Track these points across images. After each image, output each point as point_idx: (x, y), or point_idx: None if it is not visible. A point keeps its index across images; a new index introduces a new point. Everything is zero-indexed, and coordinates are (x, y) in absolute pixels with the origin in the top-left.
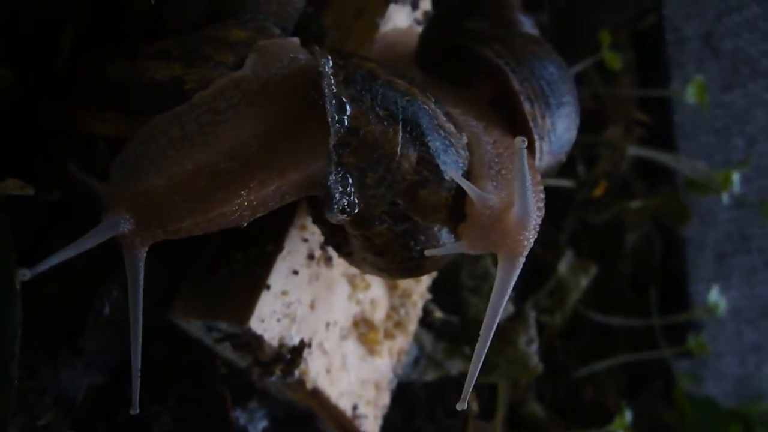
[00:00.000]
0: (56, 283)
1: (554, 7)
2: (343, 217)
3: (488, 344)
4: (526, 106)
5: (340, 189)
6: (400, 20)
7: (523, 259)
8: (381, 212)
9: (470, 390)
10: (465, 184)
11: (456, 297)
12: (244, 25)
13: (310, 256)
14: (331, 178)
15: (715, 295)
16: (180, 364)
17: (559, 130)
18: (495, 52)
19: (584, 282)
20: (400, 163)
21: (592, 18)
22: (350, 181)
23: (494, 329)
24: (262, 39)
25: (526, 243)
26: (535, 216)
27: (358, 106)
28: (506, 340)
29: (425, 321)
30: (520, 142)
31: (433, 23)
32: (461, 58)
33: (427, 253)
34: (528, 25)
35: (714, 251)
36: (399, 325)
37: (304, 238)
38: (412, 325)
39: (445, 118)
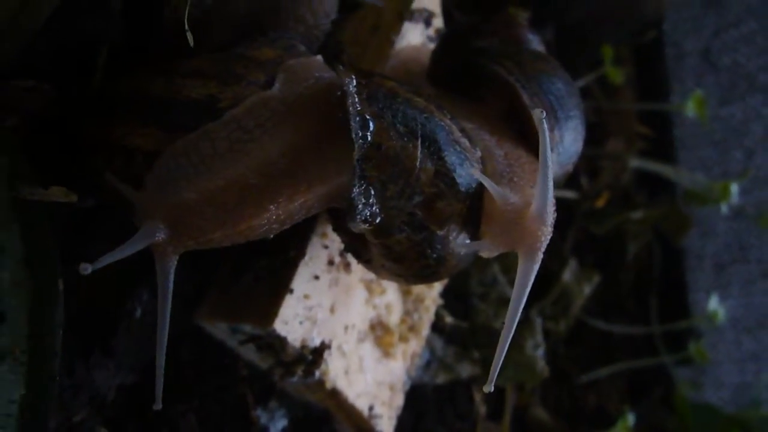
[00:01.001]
0: (90, 287)
1: (558, 25)
2: (365, 226)
3: (512, 331)
4: None
5: (363, 200)
6: (413, 37)
7: (542, 254)
8: (400, 222)
9: (496, 372)
10: (487, 183)
11: (466, 303)
12: (273, 44)
13: (330, 262)
14: (355, 190)
15: (714, 304)
16: (204, 365)
17: (566, 142)
18: (506, 69)
19: (588, 290)
20: (418, 176)
21: (595, 34)
22: (372, 193)
23: (518, 317)
24: (290, 57)
25: (543, 238)
26: (552, 210)
27: (380, 122)
28: (513, 345)
29: (437, 326)
30: (539, 113)
31: (444, 41)
32: (473, 75)
33: (451, 248)
34: (536, 43)
35: (713, 261)
36: (413, 329)
37: (324, 245)
38: (425, 329)
39: (460, 134)
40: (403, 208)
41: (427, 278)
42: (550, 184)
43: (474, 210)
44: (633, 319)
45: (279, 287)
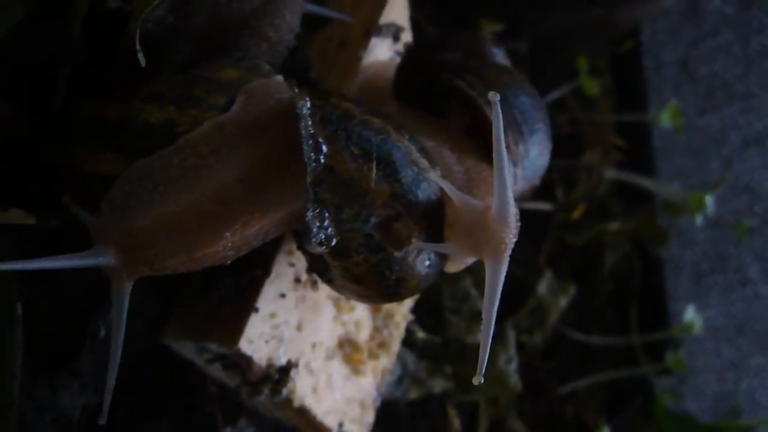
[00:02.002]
0: (54, 306)
1: (533, 37)
2: (322, 249)
3: (491, 335)
4: None
5: (318, 224)
6: (381, 52)
7: (507, 259)
8: (357, 244)
9: (484, 364)
10: (447, 186)
11: (438, 317)
12: (237, 64)
13: (297, 280)
14: (309, 214)
15: (690, 314)
16: (172, 384)
17: (532, 156)
18: (468, 83)
19: (564, 302)
20: (374, 198)
21: (570, 45)
22: (327, 216)
23: (493, 322)
24: (254, 77)
25: (507, 240)
26: (514, 213)
27: (333, 145)
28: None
29: (408, 341)
30: (493, 95)
31: (408, 56)
32: (436, 90)
33: (415, 245)
34: (500, 56)
35: (692, 271)
36: (382, 345)
37: (291, 263)
38: (395, 345)
39: (418, 154)
40: (359, 230)
41: (390, 298)
42: (508, 180)
43: (435, 229)
44: (612, 329)
45: (244, 306)
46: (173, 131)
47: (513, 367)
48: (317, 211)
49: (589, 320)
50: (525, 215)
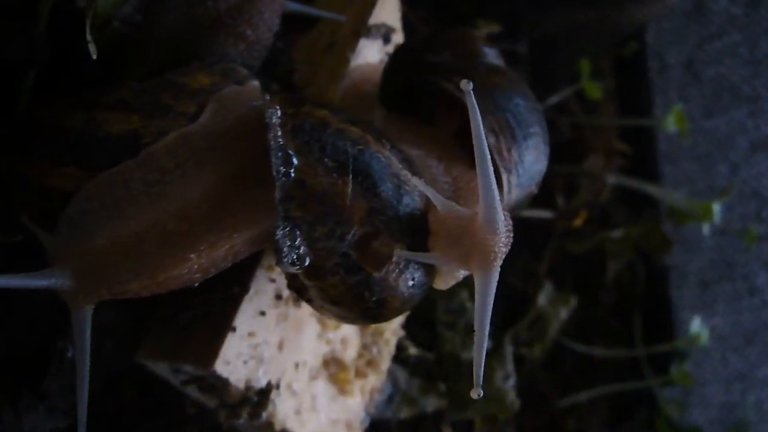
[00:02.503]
0: (17, 326)
1: (532, 36)
2: (295, 269)
3: (484, 348)
4: (490, 140)
5: (288, 243)
6: (371, 54)
7: (497, 268)
8: (333, 264)
9: (481, 376)
10: (430, 192)
11: (431, 332)
12: (210, 68)
13: (278, 296)
14: (279, 232)
15: (696, 326)
16: (148, 404)
17: (527, 162)
18: (456, 86)
19: (564, 314)
20: (350, 214)
21: (572, 46)
22: (298, 234)
23: (487, 334)
24: (227, 83)
25: (497, 248)
26: (503, 220)
27: (304, 157)
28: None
29: (399, 357)
30: (465, 84)
31: (394, 58)
32: (422, 94)
33: (397, 253)
34: (492, 56)
35: (698, 278)
36: (371, 363)
37: (271, 279)
38: (385, 363)
39: (401, 165)
40: (334, 249)
41: (372, 320)
42: (492, 181)
43: (419, 242)
44: (615, 340)
45: (220, 325)
46: (137, 143)
47: (510, 383)
48: (287, 229)
49: (591, 330)
50: (524, 223)
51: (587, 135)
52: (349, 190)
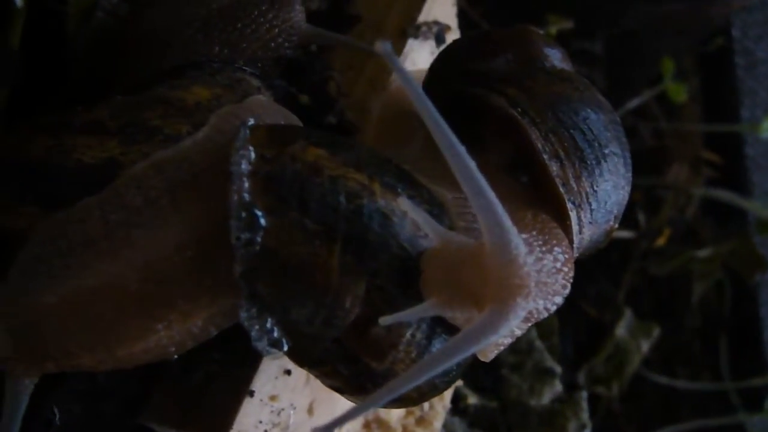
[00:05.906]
0: None
1: (609, 35)
2: (272, 355)
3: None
4: (553, 168)
5: (257, 327)
6: (421, 58)
7: (520, 306)
8: (322, 351)
9: None
10: (422, 218)
11: (494, 376)
12: (212, 78)
13: None
14: (243, 314)
15: None
16: None
17: (602, 192)
18: (509, 100)
19: (645, 347)
20: (338, 294)
21: (653, 44)
22: (269, 317)
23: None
24: (231, 97)
25: (519, 282)
26: (520, 245)
27: (278, 218)
28: (553, 426)
29: (457, 408)
30: (381, 44)
31: (436, 65)
32: (468, 110)
33: (381, 321)
34: (555, 59)
35: None
36: (422, 421)
37: None
38: (439, 420)
39: (422, 219)
40: (320, 335)
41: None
42: (493, 199)
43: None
44: (700, 369)
45: (236, 388)
46: (116, 174)
47: None
48: (254, 310)
49: (674, 359)
50: None
51: (670, 142)
52: (337, 262)
